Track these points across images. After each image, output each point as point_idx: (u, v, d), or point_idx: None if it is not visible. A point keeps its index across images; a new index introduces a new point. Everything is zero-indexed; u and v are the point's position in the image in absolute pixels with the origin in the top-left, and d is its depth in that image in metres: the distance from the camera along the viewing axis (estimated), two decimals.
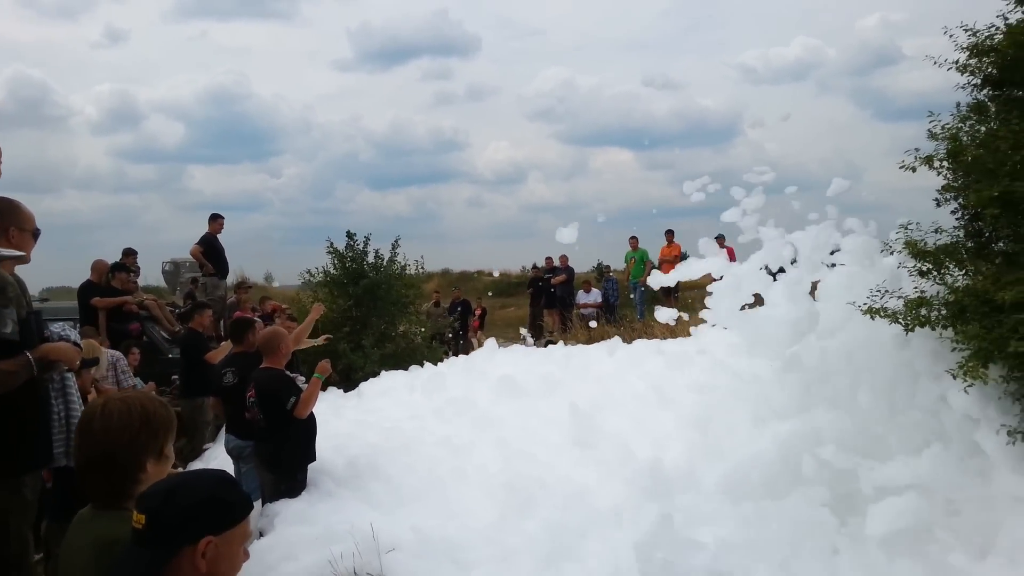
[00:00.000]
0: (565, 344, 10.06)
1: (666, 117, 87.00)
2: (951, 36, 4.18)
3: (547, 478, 4.88)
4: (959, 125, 4.17)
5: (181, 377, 7.24)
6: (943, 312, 3.85)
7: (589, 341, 10.34)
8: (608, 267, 17.18)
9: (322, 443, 4.86)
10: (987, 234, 4.16)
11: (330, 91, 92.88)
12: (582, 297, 14.40)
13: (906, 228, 4.19)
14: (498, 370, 7.99)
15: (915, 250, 4.08)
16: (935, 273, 4.01)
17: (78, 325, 7.62)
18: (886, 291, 4.11)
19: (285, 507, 4.39)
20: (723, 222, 6.15)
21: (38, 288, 13.07)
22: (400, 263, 11.68)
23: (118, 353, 6.42)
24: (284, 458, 4.57)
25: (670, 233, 13.94)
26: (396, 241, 11.73)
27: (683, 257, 13.88)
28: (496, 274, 23.04)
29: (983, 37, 4.09)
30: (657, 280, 6.59)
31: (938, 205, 4.36)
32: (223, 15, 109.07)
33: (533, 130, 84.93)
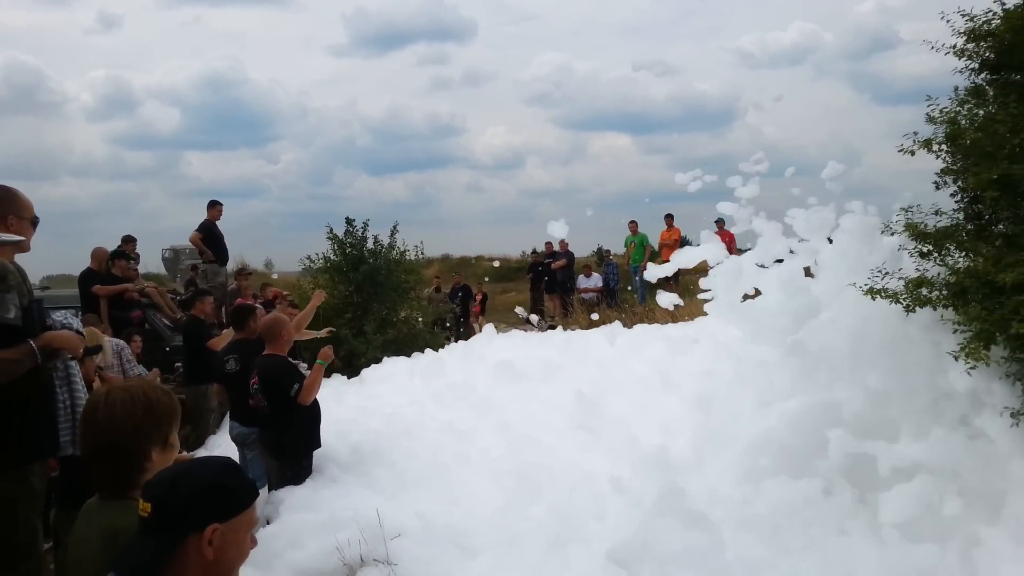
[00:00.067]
0: (564, 329, 10.06)
1: (664, 102, 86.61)
2: (948, 22, 4.20)
3: (552, 463, 4.89)
4: (957, 109, 4.18)
5: (184, 364, 7.24)
6: (944, 292, 3.86)
7: (589, 326, 10.34)
8: (608, 251, 17.13)
9: (325, 429, 4.87)
10: (987, 216, 4.17)
11: (326, 76, 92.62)
12: (583, 282, 14.38)
13: (907, 211, 4.19)
14: (497, 355, 7.99)
15: (915, 232, 4.09)
16: (936, 254, 4.02)
17: (80, 313, 7.62)
18: (886, 272, 4.11)
19: (290, 494, 4.41)
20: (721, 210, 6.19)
21: (38, 276, 13.06)
22: (399, 249, 11.64)
23: (122, 342, 6.42)
24: (288, 445, 4.59)
25: (669, 217, 13.89)
26: (395, 227, 11.68)
27: (683, 242, 13.86)
28: (496, 264, 22.94)
29: (980, 22, 4.10)
30: (654, 273, 6.58)
31: (937, 188, 4.40)
32: (216, 0, 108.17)
33: (530, 115, 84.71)
